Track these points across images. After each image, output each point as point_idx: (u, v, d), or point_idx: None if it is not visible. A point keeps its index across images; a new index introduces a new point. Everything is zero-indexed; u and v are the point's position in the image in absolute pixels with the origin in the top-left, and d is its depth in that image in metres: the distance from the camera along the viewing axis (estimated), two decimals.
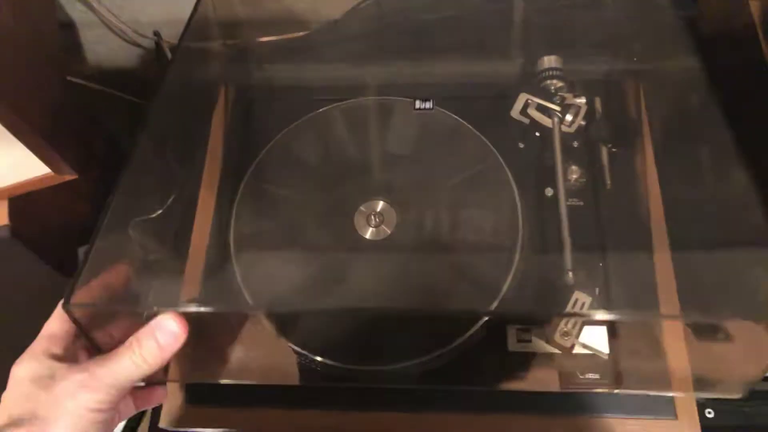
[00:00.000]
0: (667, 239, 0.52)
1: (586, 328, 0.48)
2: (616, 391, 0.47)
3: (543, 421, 0.46)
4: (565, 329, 0.44)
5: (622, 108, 0.57)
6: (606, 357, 0.46)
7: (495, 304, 0.48)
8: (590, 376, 0.47)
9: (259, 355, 0.49)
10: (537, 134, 0.56)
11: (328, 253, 0.52)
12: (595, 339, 0.48)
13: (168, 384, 0.48)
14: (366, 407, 0.48)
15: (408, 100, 0.58)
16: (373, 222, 0.53)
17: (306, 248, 0.52)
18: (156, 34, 0.79)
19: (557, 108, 0.53)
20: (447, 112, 0.58)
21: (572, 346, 0.45)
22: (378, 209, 0.53)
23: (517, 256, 0.50)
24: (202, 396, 0.49)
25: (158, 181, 0.64)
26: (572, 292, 0.46)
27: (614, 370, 0.47)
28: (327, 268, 0.52)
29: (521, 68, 0.59)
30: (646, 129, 0.57)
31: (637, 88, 0.59)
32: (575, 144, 0.56)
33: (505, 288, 0.49)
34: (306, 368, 0.48)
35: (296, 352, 0.48)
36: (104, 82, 0.83)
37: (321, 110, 0.59)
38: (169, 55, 0.78)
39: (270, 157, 0.57)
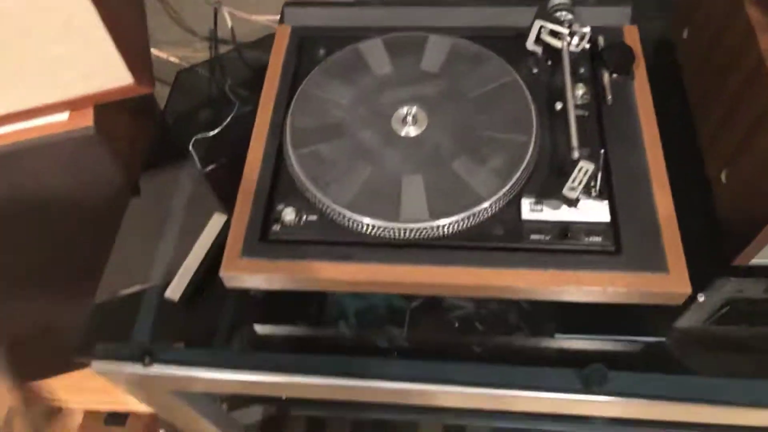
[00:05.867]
0: (660, 145, 0.61)
1: (590, 203, 0.56)
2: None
3: (543, 275, 0.54)
4: (572, 185, 0.53)
5: (621, 44, 0.67)
6: (605, 204, 0.54)
7: (518, 174, 0.57)
8: (594, 239, 0.55)
9: None
10: (549, 62, 0.67)
11: (372, 142, 0.62)
12: (597, 211, 0.56)
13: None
14: (397, 261, 0.55)
15: (440, 35, 0.69)
16: (409, 121, 0.62)
17: (354, 139, 0.62)
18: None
19: (566, 31, 0.63)
20: (471, 41, 0.68)
21: (577, 200, 0.53)
22: (413, 112, 0.63)
23: (532, 143, 0.59)
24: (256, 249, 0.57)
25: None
26: (575, 166, 0.54)
27: (614, 234, 0.55)
28: (372, 154, 0.61)
29: (534, 12, 0.69)
30: (641, 61, 0.67)
31: (633, 30, 0.69)
32: (581, 70, 0.66)
33: (524, 163, 0.58)
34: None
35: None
36: None
37: (364, 41, 0.69)
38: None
39: (321, 75, 0.67)
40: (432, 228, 0.56)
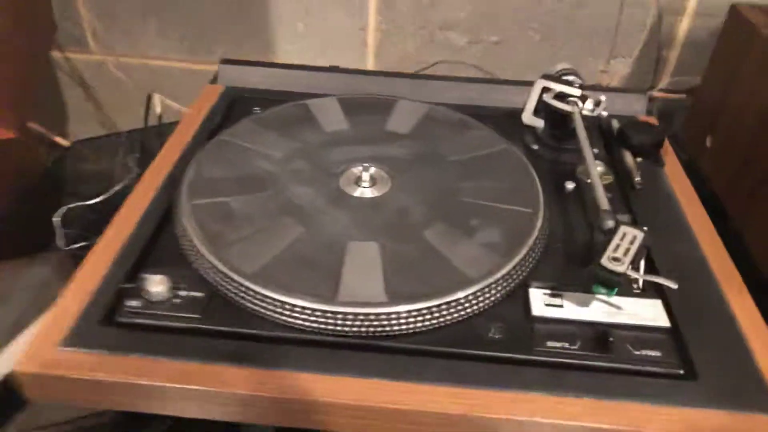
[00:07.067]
0: (718, 237, 0.43)
1: (636, 303, 0.36)
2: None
3: (570, 405, 0.32)
4: (614, 255, 0.33)
5: (645, 123, 0.52)
6: (674, 286, 0.33)
7: (524, 250, 0.37)
8: (648, 353, 0.34)
9: None
10: (553, 138, 0.51)
11: (309, 200, 0.42)
12: (649, 314, 0.36)
13: None
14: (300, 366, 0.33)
15: (411, 100, 0.54)
16: (366, 180, 0.44)
17: (282, 194, 0.42)
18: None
19: (578, 92, 0.48)
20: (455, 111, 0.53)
21: (624, 278, 0.32)
22: (371, 172, 0.44)
23: (541, 214, 0.40)
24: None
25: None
26: (614, 233, 0.35)
27: (679, 347, 0.34)
28: (305, 213, 0.41)
29: (528, 91, 0.54)
30: (669, 147, 0.52)
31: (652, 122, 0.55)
32: (595, 150, 0.50)
33: (532, 238, 0.38)
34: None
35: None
36: None
37: (320, 98, 0.53)
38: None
39: (251, 124, 0.49)
40: (388, 317, 0.34)
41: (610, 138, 0.52)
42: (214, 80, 0.58)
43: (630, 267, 0.33)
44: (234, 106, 0.55)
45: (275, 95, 0.56)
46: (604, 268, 0.32)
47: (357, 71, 0.58)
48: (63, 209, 0.52)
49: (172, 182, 0.44)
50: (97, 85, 0.87)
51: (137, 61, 0.86)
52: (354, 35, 0.79)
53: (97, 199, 0.53)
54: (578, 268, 0.39)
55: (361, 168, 0.44)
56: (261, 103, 0.54)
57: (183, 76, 0.87)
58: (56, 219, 0.52)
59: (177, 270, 0.37)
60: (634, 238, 0.34)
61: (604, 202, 0.38)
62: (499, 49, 0.80)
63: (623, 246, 0.34)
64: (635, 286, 0.38)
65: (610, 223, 0.36)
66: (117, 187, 0.53)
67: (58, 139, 0.71)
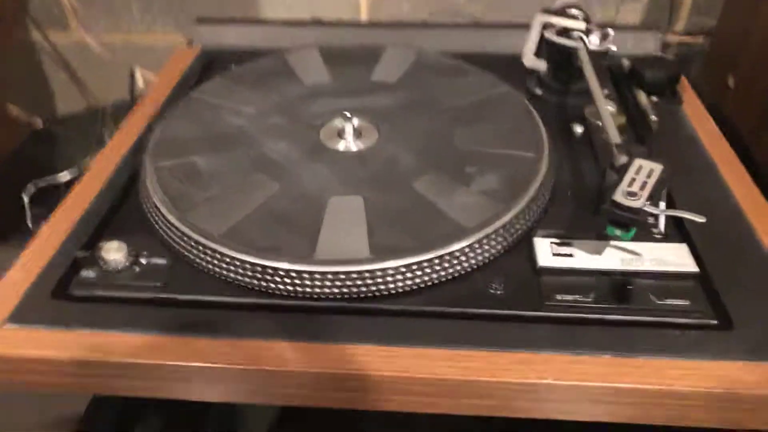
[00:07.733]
0: (750, 180, 0.38)
1: (658, 248, 0.32)
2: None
3: (602, 362, 0.27)
4: (630, 189, 0.28)
5: (660, 59, 0.47)
6: (701, 220, 0.29)
7: (527, 197, 0.33)
8: (674, 302, 0.30)
9: None
10: (555, 81, 0.46)
11: (285, 155, 0.38)
12: (673, 260, 0.31)
13: None
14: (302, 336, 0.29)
15: (399, 47, 0.49)
16: (348, 133, 0.39)
17: (255, 151, 0.38)
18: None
19: (582, 26, 0.43)
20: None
21: (643, 215, 0.28)
22: (355, 124, 0.40)
23: (545, 158, 0.36)
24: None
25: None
26: (629, 167, 0.30)
27: (710, 294, 0.30)
28: (281, 169, 0.37)
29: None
30: (687, 85, 0.47)
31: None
32: (605, 91, 0.45)
33: (536, 183, 0.34)
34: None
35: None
36: None
37: (298, 49, 0.49)
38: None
39: (223, 81, 0.45)
40: (373, 275, 0.30)
41: (621, 79, 0.47)
42: (190, 43, 0.54)
43: (648, 203, 0.28)
44: (212, 67, 0.51)
45: (256, 53, 0.52)
46: (618, 204, 0.28)
47: (342, 23, 0.54)
48: (31, 188, 0.49)
49: (141, 147, 0.40)
50: (80, 66, 0.83)
51: (120, 38, 0.82)
52: None
53: (68, 175, 0.49)
54: (589, 217, 0.34)
55: (343, 120, 0.40)
56: (239, 61, 0.50)
57: (168, 51, 0.83)
58: (24, 197, 0.48)
59: (139, 238, 0.33)
60: (651, 171, 0.30)
61: (614, 135, 0.33)
62: (500, 3, 0.75)
63: (639, 180, 0.29)
64: (655, 231, 0.33)
65: (624, 158, 0.32)
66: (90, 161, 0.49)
67: (35, 121, 0.68)
